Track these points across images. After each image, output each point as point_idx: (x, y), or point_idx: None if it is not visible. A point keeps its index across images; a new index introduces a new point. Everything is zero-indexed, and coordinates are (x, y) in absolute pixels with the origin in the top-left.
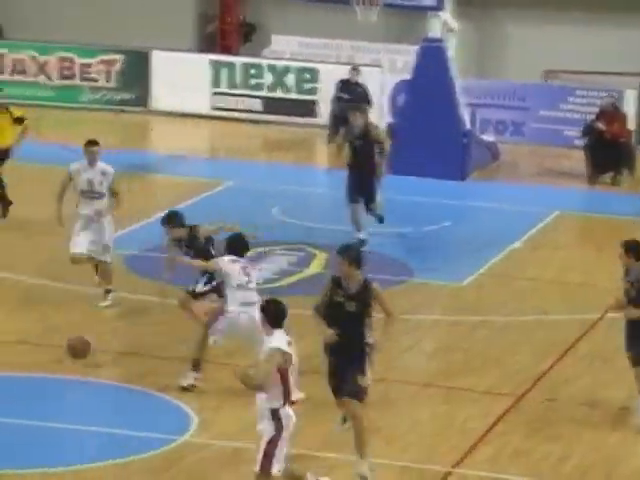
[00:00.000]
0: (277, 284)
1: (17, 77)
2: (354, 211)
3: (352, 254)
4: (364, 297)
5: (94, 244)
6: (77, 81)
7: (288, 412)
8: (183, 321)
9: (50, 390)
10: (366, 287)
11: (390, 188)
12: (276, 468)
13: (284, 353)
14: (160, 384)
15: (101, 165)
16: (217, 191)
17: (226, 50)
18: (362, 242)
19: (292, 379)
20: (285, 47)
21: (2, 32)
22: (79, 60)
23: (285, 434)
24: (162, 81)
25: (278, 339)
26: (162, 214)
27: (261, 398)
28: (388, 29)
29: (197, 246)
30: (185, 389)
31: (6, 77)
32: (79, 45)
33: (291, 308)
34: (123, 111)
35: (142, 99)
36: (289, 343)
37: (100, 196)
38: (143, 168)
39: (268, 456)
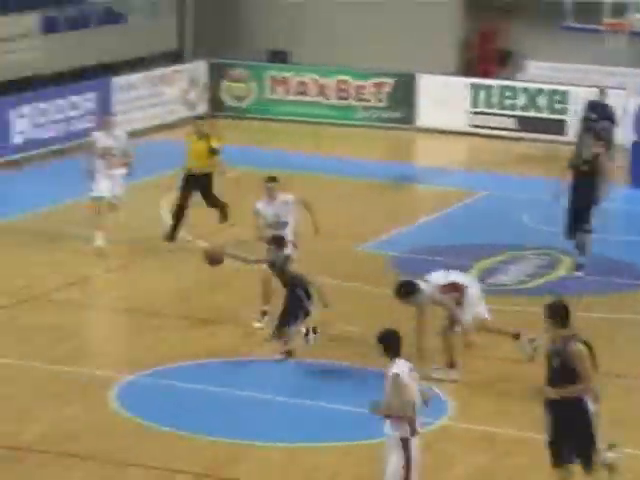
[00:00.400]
0: (527, 285)
1: (300, 97)
2: (579, 239)
3: (553, 311)
4: (565, 354)
5: None
6: (352, 101)
7: (416, 441)
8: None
9: (329, 376)
10: (567, 344)
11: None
12: None
13: (402, 378)
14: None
15: (281, 197)
16: (473, 200)
17: (484, 74)
18: (580, 267)
19: (416, 405)
20: (537, 71)
21: (289, 58)
22: (354, 82)
23: (414, 464)
24: (427, 101)
25: (399, 366)
26: (426, 219)
27: (389, 429)
28: (632, 54)
29: (287, 275)
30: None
31: (290, 97)
32: (354, 69)
33: (539, 307)
34: (392, 128)
35: (409, 117)
36: (410, 370)
37: (285, 225)
38: (408, 179)
39: None
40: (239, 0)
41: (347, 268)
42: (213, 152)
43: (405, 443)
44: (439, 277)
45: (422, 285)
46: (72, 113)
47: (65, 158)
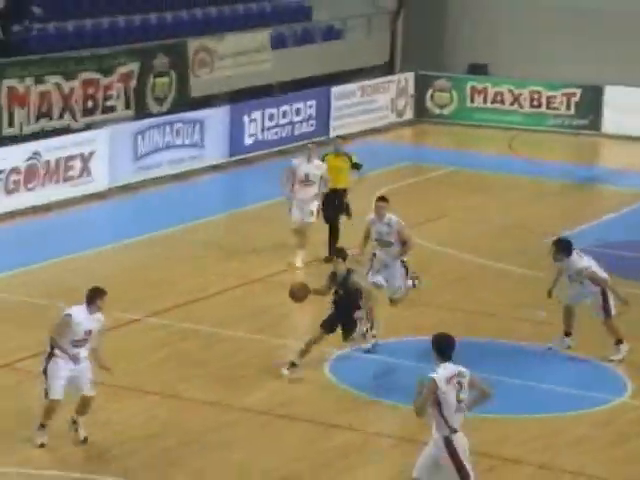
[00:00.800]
0: None
1: (496, 105)
2: None
3: None
4: None
5: (387, 283)
6: (543, 109)
7: (458, 438)
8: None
9: (522, 355)
10: None
11: None
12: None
13: (437, 383)
14: (600, 354)
15: (388, 217)
16: None
17: None
18: None
19: (451, 408)
20: None
21: (488, 70)
22: (546, 93)
23: (462, 457)
24: (613, 110)
25: (440, 370)
26: (608, 217)
27: (433, 429)
28: None
29: (348, 288)
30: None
31: (488, 105)
32: (546, 80)
33: None
34: (579, 134)
35: (595, 124)
36: (458, 374)
37: (389, 244)
38: (593, 180)
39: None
40: (444, 19)
41: (535, 258)
42: (356, 167)
43: (447, 441)
44: (591, 261)
45: (575, 255)
46: (295, 118)
47: (288, 158)
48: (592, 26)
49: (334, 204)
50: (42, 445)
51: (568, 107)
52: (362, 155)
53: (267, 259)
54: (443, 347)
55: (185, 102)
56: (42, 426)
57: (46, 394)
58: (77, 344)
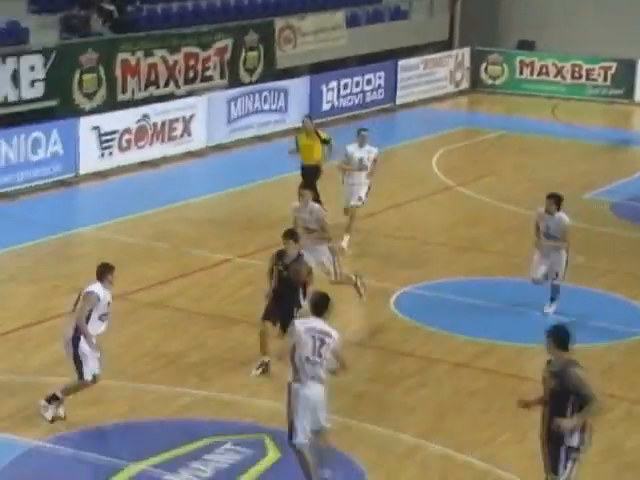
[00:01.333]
0: None
1: (542, 77)
2: None
3: (556, 336)
4: (562, 379)
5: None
6: (583, 81)
7: (298, 388)
8: None
9: (562, 293)
10: (565, 371)
11: None
12: (299, 438)
13: (296, 327)
14: (632, 293)
15: (310, 206)
16: None
17: None
18: None
19: (302, 357)
20: None
21: (535, 46)
22: (585, 66)
23: (295, 406)
24: None
25: (304, 319)
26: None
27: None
28: None
29: (295, 269)
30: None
31: (534, 77)
32: (586, 55)
33: None
34: (614, 102)
35: (629, 94)
36: (324, 332)
37: (313, 231)
38: (626, 142)
39: (290, 425)
40: (497, 1)
41: (576, 211)
42: (326, 142)
43: (288, 387)
44: None
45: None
46: (366, 88)
47: (360, 121)
48: (629, 6)
49: (306, 180)
50: (64, 417)
51: (605, 79)
52: (423, 120)
53: (340, 210)
54: (316, 304)
55: (272, 73)
56: (56, 398)
57: (80, 376)
58: (103, 318)
